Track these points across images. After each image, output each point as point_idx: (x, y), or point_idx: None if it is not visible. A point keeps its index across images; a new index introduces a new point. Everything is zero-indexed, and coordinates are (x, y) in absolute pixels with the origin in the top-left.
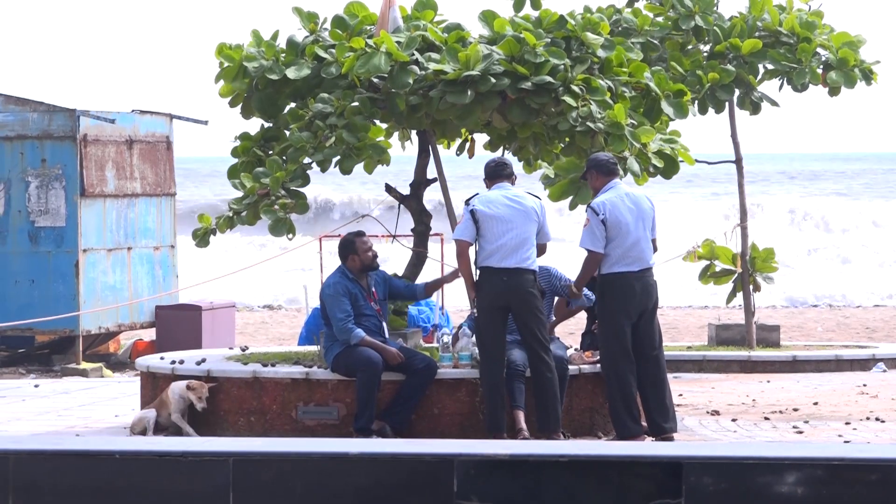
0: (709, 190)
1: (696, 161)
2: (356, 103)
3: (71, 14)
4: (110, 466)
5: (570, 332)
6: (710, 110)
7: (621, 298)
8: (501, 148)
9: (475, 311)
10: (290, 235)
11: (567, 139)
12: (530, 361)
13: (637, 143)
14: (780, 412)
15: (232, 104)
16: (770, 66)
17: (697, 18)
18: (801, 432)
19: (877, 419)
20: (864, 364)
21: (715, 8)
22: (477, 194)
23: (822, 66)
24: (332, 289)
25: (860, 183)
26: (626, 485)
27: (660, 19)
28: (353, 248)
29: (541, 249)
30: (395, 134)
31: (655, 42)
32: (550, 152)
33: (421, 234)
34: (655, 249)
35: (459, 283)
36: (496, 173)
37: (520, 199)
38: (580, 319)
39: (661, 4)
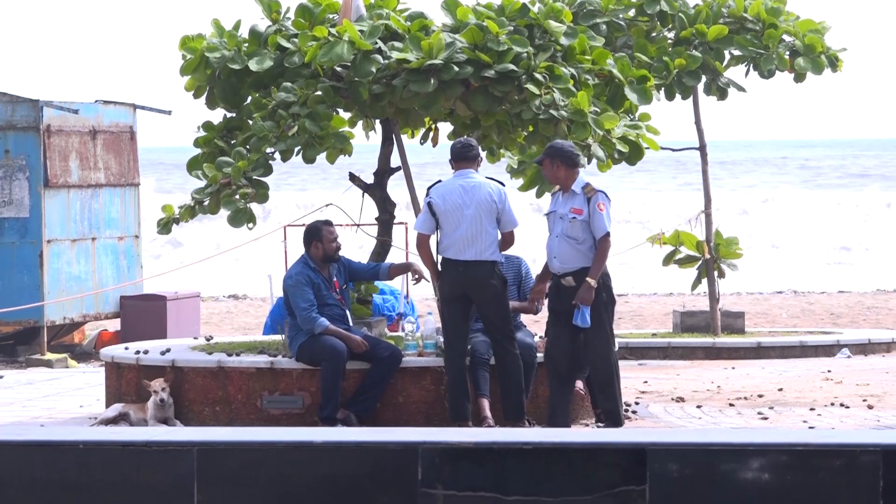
0: (679, 176)
1: (661, 148)
2: (319, 92)
3: (33, 4)
4: (74, 457)
5: (536, 320)
6: (678, 96)
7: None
8: (465, 136)
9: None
10: (251, 225)
11: (530, 127)
12: (494, 351)
13: (600, 129)
14: (745, 398)
15: (196, 95)
16: (736, 53)
17: (662, 3)
18: (765, 418)
19: (841, 405)
20: (828, 350)
21: None
22: (438, 181)
23: (789, 53)
24: (294, 279)
25: (827, 169)
26: (590, 472)
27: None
28: (319, 236)
29: (507, 238)
30: (359, 123)
31: (621, 22)
32: (514, 140)
33: (385, 223)
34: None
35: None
36: (461, 155)
37: (477, 187)
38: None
39: None
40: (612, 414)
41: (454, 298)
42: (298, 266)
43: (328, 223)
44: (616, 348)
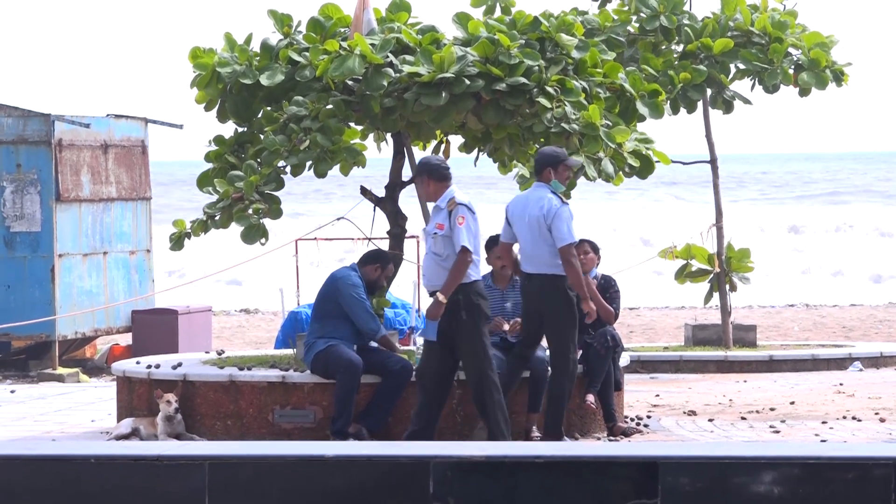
0: (687, 191)
1: (672, 161)
2: (331, 106)
3: (45, 18)
4: (86, 471)
5: None
6: (683, 110)
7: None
8: (476, 149)
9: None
10: (263, 241)
11: (542, 140)
12: (550, 364)
13: (612, 143)
14: (757, 412)
15: (207, 109)
16: (742, 66)
17: (662, 18)
18: (777, 432)
19: (853, 418)
20: (840, 363)
21: (687, 8)
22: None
23: (793, 67)
24: (355, 280)
25: (840, 183)
26: (602, 485)
27: (629, 16)
28: (385, 264)
29: (560, 254)
30: (370, 136)
31: (620, 39)
32: (525, 153)
33: (396, 237)
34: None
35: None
36: (535, 169)
37: (535, 200)
38: None
39: (627, 9)
40: (491, 433)
41: (524, 311)
42: (352, 272)
43: (395, 260)
44: (626, 362)
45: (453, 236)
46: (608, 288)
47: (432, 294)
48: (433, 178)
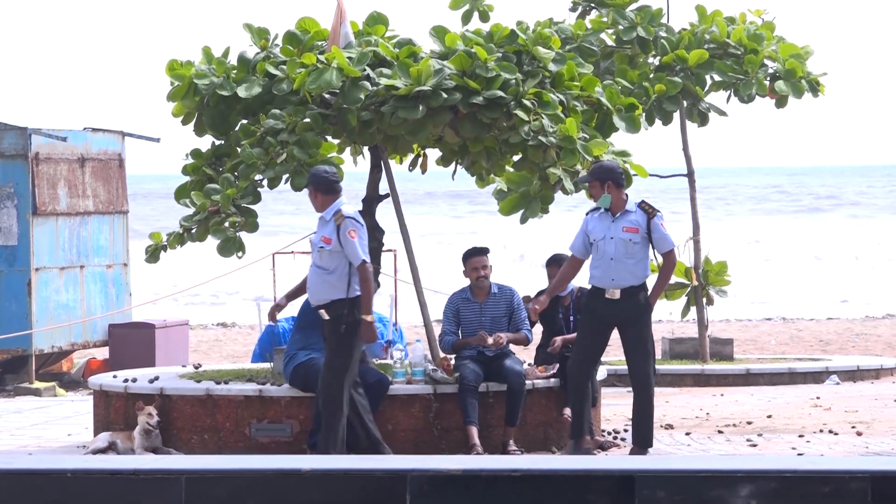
0: (664, 204)
1: (649, 174)
2: (307, 119)
3: (21, 31)
4: (63, 485)
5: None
6: (658, 122)
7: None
8: (454, 163)
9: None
10: (240, 254)
11: (519, 153)
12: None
13: (589, 156)
14: (734, 425)
15: (184, 122)
16: (717, 78)
17: (640, 30)
18: (754, 445)
19: (830, 432)
20: (817, 377)
21: (664, 20)
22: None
23: (768, 78)
24: None
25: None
26: (579, 499)
27: (609, 32)
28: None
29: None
30: (347, 150)
31: (593, 48)
32: (503, 167)
33: (374, 251)
34: None
35: (408, 297)
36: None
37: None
38: (535, 333)
39: (605, 20)
40: (323, 446)
41: (598, 326)
42: None
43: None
44: (603, 376)
45: (345, 251)
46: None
47: (318, 308)
48: (320, 189)
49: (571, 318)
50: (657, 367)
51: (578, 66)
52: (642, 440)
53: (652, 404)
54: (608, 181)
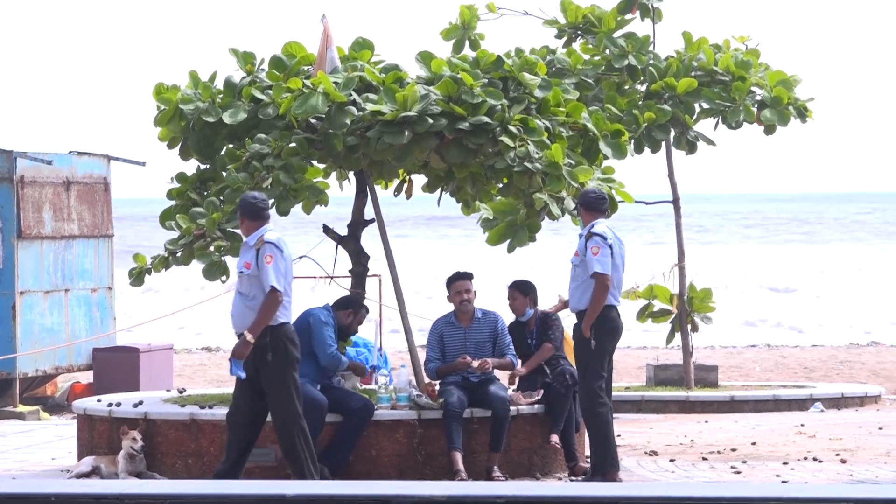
0: (649, 232)
1: (635, 201)
2: (293, 144)
3: (7, 54)
4: None
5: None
6: (647, 150)
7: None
8: (439, 189)
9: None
10: (224, 278)
11: (505, 179)
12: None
13: (575, 182)
14: (719, 452)
15: (170, 146)
16: (705, 105)
17: (630, 58)
18: (738, 472)
19: (814, 459)
20: (801, 404)
21: (651, 48)
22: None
23: (756, 105)
24: (325, 318)
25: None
26: None
27: (597, 59)
28: (357, 309)
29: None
30: (333, 174)
31: (589, 81)
32: (488, 192)
33: (359, 276)
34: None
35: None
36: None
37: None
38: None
39: (594, 46)
40: (298, 476)
41: (611, 347)
42: (326, 311)
43: (364, 311)
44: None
45: (261, 276)
46: (548, 323)
47: (240, 335)
48: (246, 215)
49: (533, 343)
50: (644, 393)
51: (564, 93)
52: (595, 466)
53: (593, 429)
54: (579, 205)
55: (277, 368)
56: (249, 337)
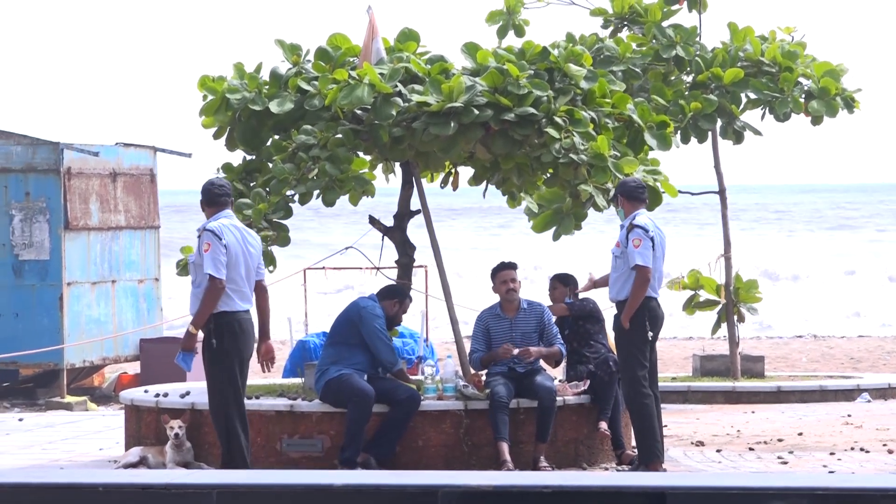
0: (695, 222)
1: (680, 192)
2: (339, 135)
3: (54, 46)
4: (94, 499)
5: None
6: (693, 140)
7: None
8: (485, 181)
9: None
10: (271, 268)
11: (550, 171)
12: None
13: (620, 174)
14: (765, 442)
15: (216, 136)
16: (752, 96)
17: (678, 49)
18: (785, 463)
19: (861, 449)
20: (848, 394)
21: (697, 38)
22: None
23: (804, 96)
24: (377, 311)
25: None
26: None
27: (644, 48)
28: (402, 299)
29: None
30: (379, 166)
31: (637, 70)
32: (534, 184)
33: (405, 266)
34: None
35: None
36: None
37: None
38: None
39: (642, 35)
40: (223, 462)
41: (652, 338)
42: (375, 303)
43: (409, 299)
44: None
45: (202, 263)
46: (588, 309)
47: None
48: (203, 201)
49: (566, 332)
50: (690, 383)
51: (610, 83)
52: (640, 457)
53: (636, 419)
54: (619, 195)
55: (217, 354)
56: (191, 328)
